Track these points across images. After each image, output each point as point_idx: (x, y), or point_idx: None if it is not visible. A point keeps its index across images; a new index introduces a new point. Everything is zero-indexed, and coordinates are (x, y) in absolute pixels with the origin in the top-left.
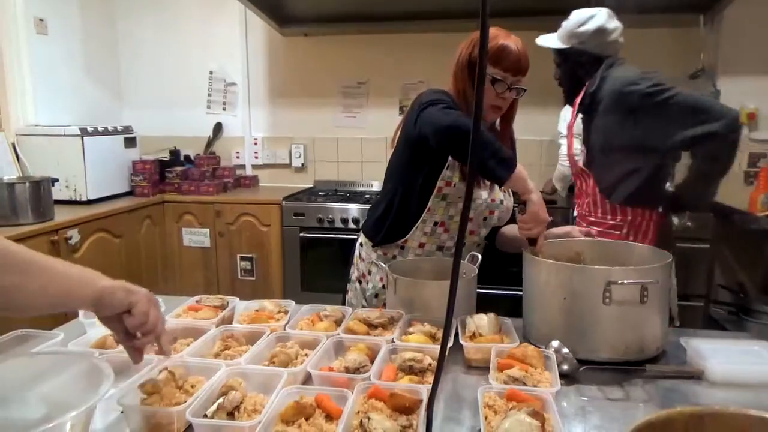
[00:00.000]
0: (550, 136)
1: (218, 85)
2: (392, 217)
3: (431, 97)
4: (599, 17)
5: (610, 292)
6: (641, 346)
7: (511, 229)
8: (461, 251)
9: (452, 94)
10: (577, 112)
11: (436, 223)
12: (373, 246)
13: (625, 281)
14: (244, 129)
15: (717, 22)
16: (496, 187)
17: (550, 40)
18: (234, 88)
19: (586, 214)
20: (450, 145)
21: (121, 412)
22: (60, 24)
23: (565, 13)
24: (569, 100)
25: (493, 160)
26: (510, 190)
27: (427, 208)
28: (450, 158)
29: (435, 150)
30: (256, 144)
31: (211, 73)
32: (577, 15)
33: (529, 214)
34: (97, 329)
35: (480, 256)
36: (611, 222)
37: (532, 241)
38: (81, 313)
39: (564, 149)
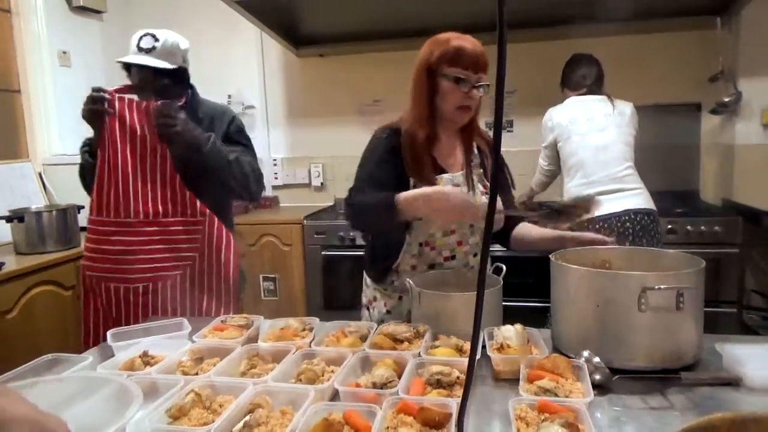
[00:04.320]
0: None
1: (237, 108)
2: (380, 245)
3: (362, 160)
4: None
5: (645, 298)
6: (678, 354)
7: (524, 231)
8: (486, 262)
9: (406, 115)
10: None
11: (421, 244)
12: (372, 280)
13: (662, 287)
14: (264, 150)
15: (734, 23)
16: (477, 190)
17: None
18: (252, 111)
19: None
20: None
21: None
22: (82, 55)
23: (573, 22)
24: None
25: (382, 215)
26: (485, 187)
27: (408, 232)
28: (412, 180)
29: (394, 179)
30: (275, 165)
31: (229, 97)
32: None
33: (441, 211)
34: (125, 352)
35: (504, 268)
36: None
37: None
38: (109, 336)
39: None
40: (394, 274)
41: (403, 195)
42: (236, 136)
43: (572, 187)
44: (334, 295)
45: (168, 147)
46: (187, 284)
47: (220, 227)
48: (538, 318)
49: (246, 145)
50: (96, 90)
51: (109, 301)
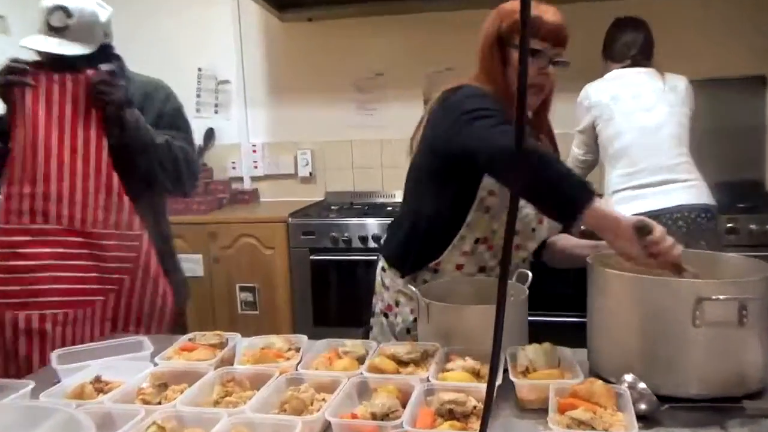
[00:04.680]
0: None
1: (208, 84)
2: (421, 236)
3: (477, 104)
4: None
5: (701, 310)
6: (740, 379)
7: (563, 240)
8: (508, 267)
9: (488, 90)
10: None
11: (477, 240)
12: (401, 276)
13: (720, 297)
14: (241, 134)
15: None
16: None
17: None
18: (227, 87)
19: None
20: (510, 176)
21: None
22: (21, 21)
23: None
24: None
25: (564, 185)
26: None
27: (465, 224)
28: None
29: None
30: (255, 152)
31: (199, 70)
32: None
33: (656, 239)
34: (73, 376)
35: (530, 274)
36: None
37: (679, 268)
38: (53, 358)
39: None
40: (428, 274)
41: (598, 201)
42: (172, 117)
43: (615, 179)
44: (325, 309)
45: (108, 133)
46: (109, 314)
47: (151, 250)
48: (574, 336)
49: (183, 129)
50: (14, 60)
51: (15, 334)
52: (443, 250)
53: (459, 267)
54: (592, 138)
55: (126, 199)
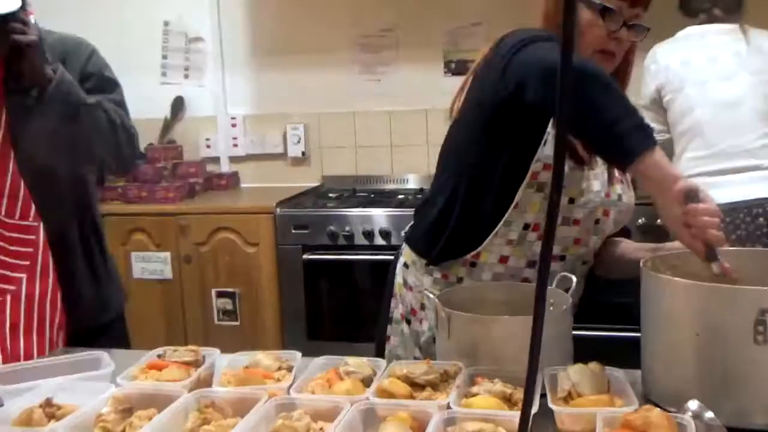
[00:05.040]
0: None
1: (177, 43)
2: (455, 220)
3: (533, 33)
4: None
5: (765, 324)
6: None
7: (623, 246)
8: (548, 269)
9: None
10: None
11: (527, 226)
12: (426, 265)
13: None
14: (217, 105)
15: None
16: (615, 174)
17: None
18: (200, 46)
19: None
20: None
21: None
22: None
23: None
24: None
25: (626, 122)
26: (630, 181)
27: (513, 205)
28: (550, 128)
29: (530, 116)
30: (234, 126)
31: (165, 25)
32: None
33: (701, 209)
34: (18, 399)
35: (575, 279)
36: None
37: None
38: None
39: None
40: (464, 269)
41: (659, 152)
42: (99, 78)
43: (685, 162)
44: (321, 320)
45: (6, 98)
46: (7, 319)
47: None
48: (629, 355)
49: (112, 91)
50: None
51: None
52: (484, 237)
53: (503, 260)
54: (661, 112)
55: (23, 183)
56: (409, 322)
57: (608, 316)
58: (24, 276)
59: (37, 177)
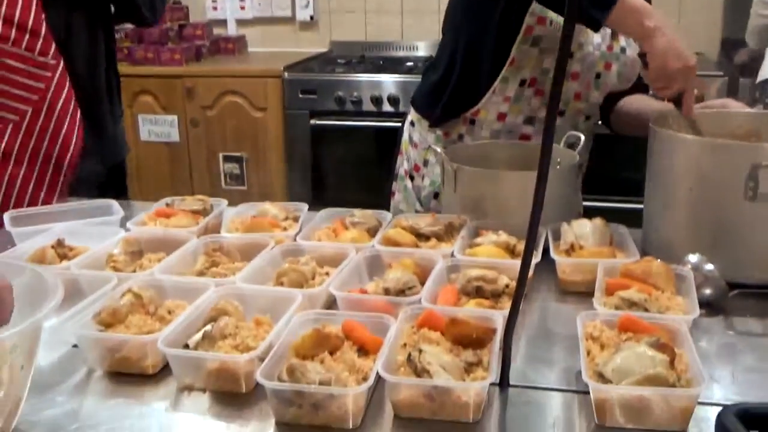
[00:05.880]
0: None
1: None
2: (456, 78)
3: None
4: None
5: (756, 180)
6: None
7: (637, 101)
8: (554, 123)
9: None
10: None
11: (523, 82)
12: (429, 125)
13: None
14: None
15: None
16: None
17: None
18: None
19: None
20: None
21: (74, 345)
22: None
23: None
24: None
25: None
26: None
27: (509, 60)
28: None
29: None
30: None
31: None
32: None
33: (653, 70)
34: (31, 241)
35: (583, 138)
36: None
37: (678, 102)
38: (6, 219)
39: None
40: (464, 126)
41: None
42: None
43: None
44: (327, 185)
45: None
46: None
47: (70, 90)
48: (640, 224)
49: None
50: None
51: None
52: (483, 94)
53: (501, 117)
54: None
55: (43, 16)
56: (412, 178)
57: (620, 189)
58: (29, 110)
59: (67, 15)
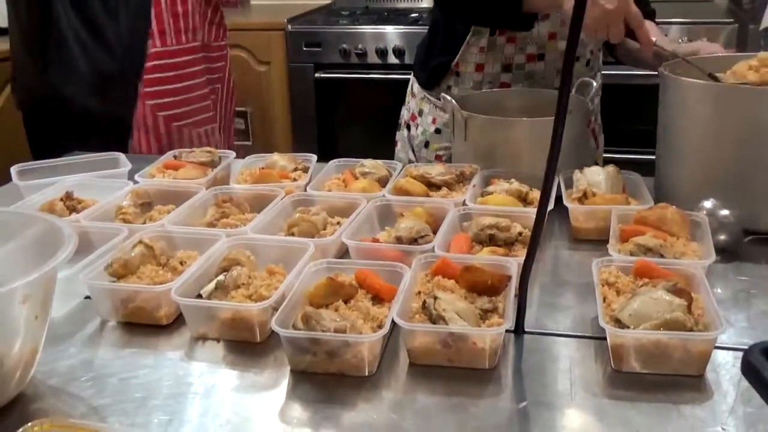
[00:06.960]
0: None
1: None
2: (441, 34)
3: None
4: None
5: None
6: None
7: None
8: (572, 66)
9: None
10: None
11: (493, 32)
12: (421, 86)
13: None
14: None
15: None
16: None
17: None
18: None
19: None
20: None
21: (87, 297)
22: None
23: None
24: None
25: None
26: None
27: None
28: None
29: None
30: None
31: None
32: None
33: (592, 19)
34: (40, 194)
35: (595, 84)
36: None
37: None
38: (13, 173)
39: None
40: (451, 78)
41: None
42: None
43: None
44: (333, 138)
45: None
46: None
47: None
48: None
49: None
50: None
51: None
52: (458, 47)
53: (479, 67)
54: None
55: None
56: (408, 127)
57: (631, 141)
58: (219, 86)
59: None
